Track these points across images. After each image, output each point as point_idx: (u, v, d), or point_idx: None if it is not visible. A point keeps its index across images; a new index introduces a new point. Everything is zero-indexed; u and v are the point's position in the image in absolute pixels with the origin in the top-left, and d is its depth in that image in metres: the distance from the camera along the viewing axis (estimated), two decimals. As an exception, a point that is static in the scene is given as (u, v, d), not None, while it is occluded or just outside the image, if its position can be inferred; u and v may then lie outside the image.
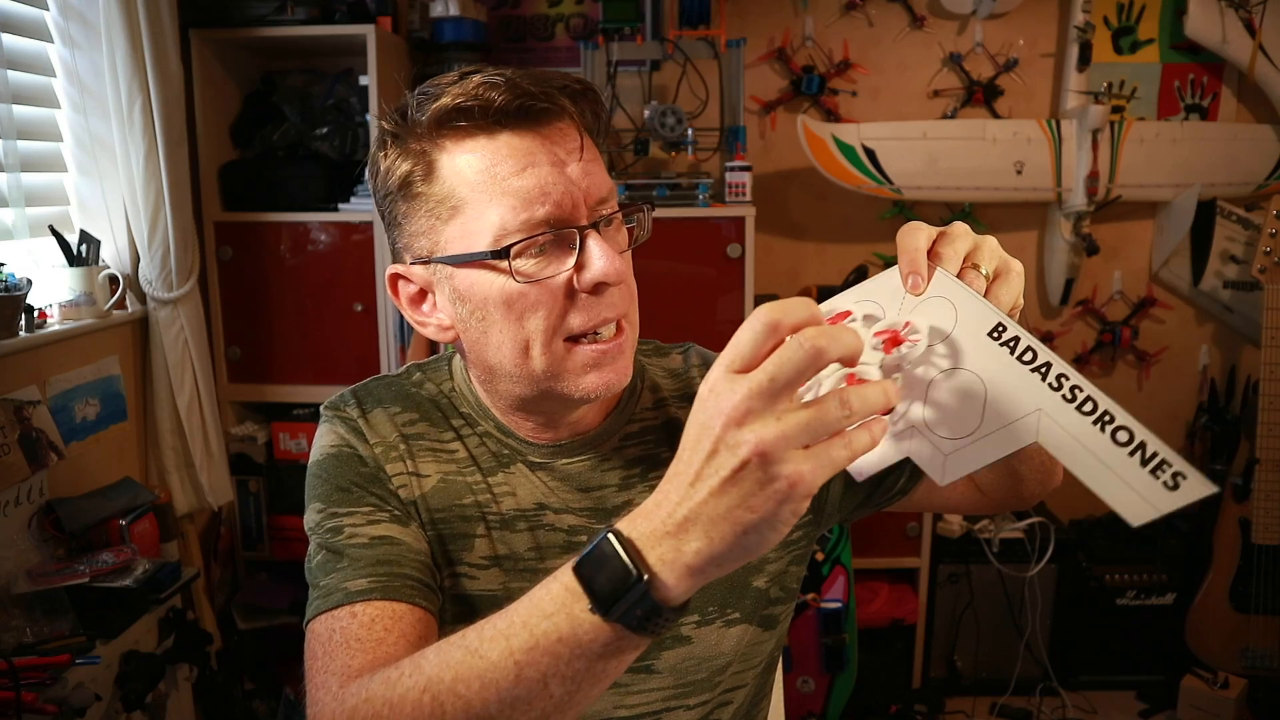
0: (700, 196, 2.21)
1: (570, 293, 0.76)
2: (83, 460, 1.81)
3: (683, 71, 2.50)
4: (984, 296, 0.67)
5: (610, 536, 0.55)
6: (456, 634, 0.63)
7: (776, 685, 1.09)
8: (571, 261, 0.75)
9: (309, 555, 0.83)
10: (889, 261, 3.00)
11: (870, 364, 0.66)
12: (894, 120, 2.61)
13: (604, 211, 0.77)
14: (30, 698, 1.33)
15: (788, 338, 0.52)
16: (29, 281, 1.68)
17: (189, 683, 1.86)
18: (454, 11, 2.34)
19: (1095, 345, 2.79)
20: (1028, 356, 0.62)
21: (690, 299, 2.18)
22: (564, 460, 0.87)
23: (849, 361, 0.54)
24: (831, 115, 2.67)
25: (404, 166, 0.77)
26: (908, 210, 2.72)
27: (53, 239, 1.81)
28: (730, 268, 2.19)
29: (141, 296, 2.01)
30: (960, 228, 0.70)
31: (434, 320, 0.82)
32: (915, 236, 0.70)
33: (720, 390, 0.53)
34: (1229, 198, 2.59)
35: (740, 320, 1.92)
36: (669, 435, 0.91)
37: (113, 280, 1.93)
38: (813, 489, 0.51)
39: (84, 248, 1.86)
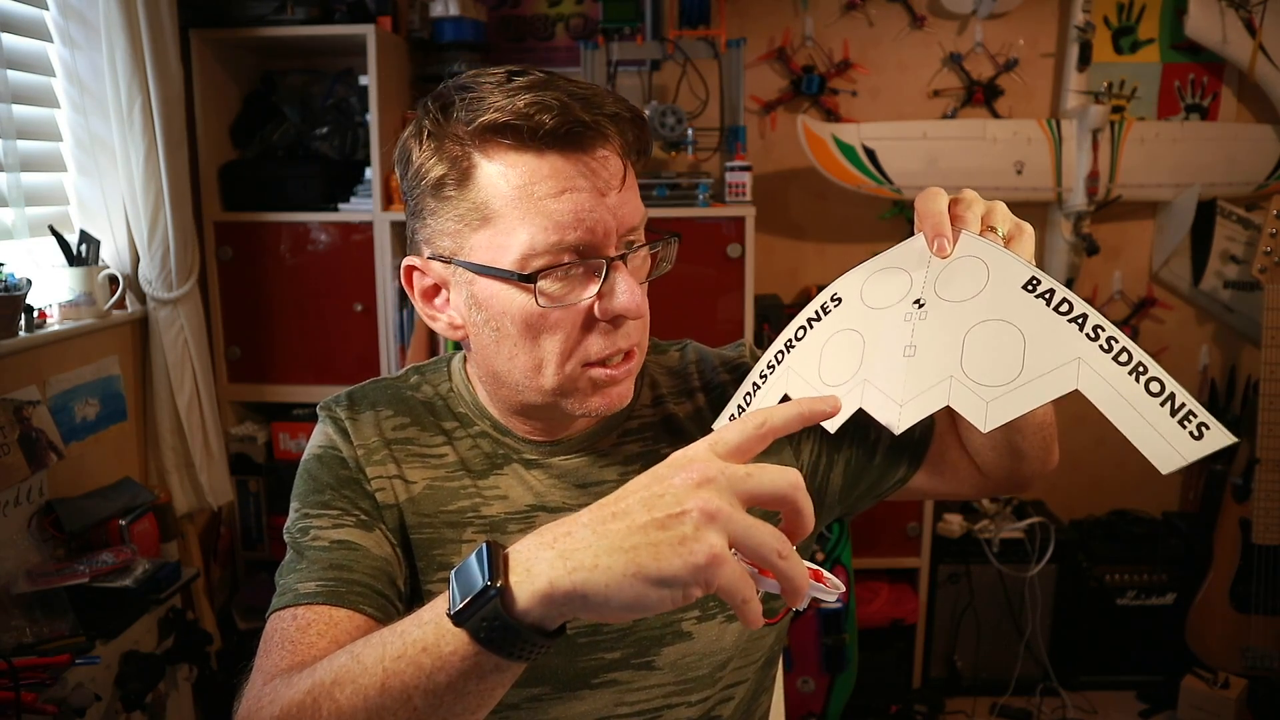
0: (700, 196, 2.21)
1: (590, 319, 0.76)
2: (82, 460, 1.81)
3: (683, 71, 2.49)
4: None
5: (486, 543, 0.54)
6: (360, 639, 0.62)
7: (778, 682, 1.09)
8: (595, 289, 0.74)
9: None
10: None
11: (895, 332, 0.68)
12: (894, 120, 2.61)
13: (633, 239, 0.77)
14: (30, 698, 1.33)
15: (785, 472, 0.53)
16: (29, 281, 1.68)
17: (189, 683, 1.86)
18: (454, 11, 2.34)
19: (1095, 345, 2.78)
20: (1064, 307, 0.63)
21: (690, 299, 2.18)
22: (561, 457, 0.87)
23: (804, 526, 0.55)
24: (831, 115, 2.67)
25: (439, 169, 0.75)
26: (908, 210, 2.72)
27: (53, 239, 1.81)
28: (730, 268, 2.19)
29: (141, 296, 2.01)
30: (972, 194, 0.72)
31: (445, 317, 0.82)
32: (937, 200, 0.70)
33: (697, 456, 0.53)
34: (1229, 198, 2.59)
35: (740, 321, 1.94)
36: (668, 431, 0.91)
37: (113, 280, 1.93)
38: (720, 581, 0.49)
39: (84, 248, 1.86)
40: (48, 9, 1.84)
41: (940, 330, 0.67)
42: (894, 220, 2.75)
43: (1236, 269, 2.61)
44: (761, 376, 0.80)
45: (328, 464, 0.86)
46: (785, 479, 0.53)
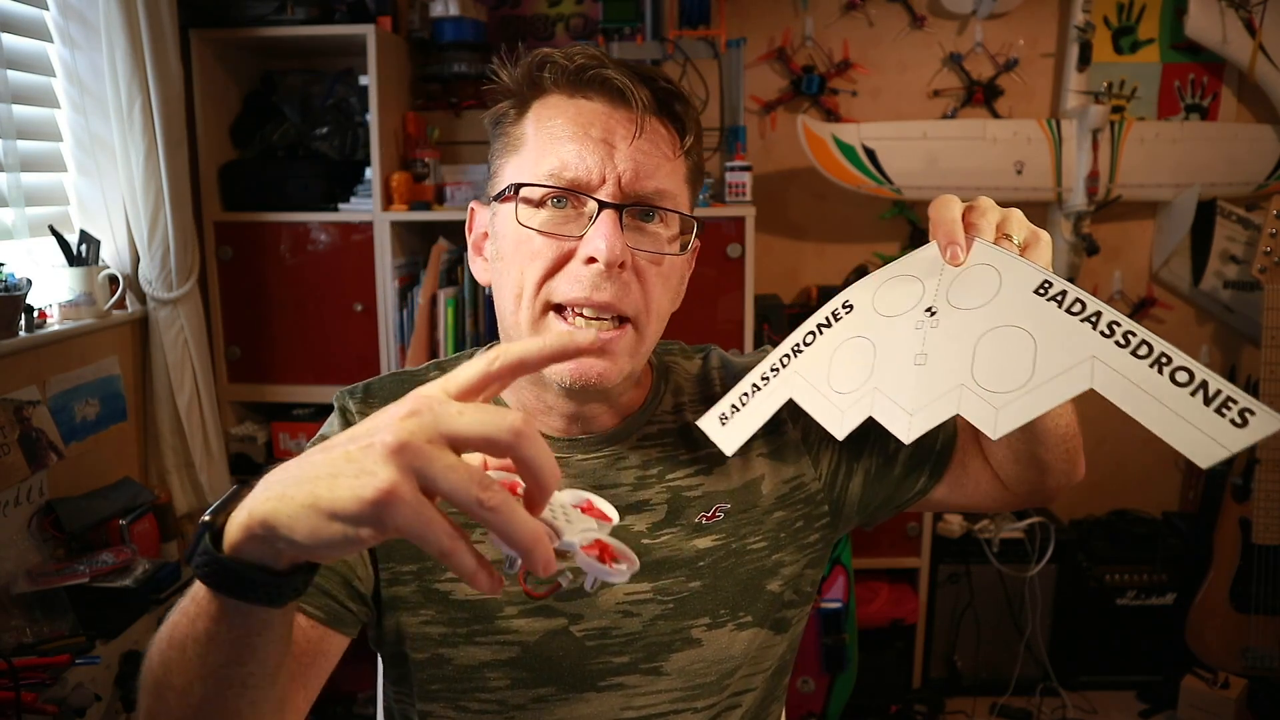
0: (700, 196, 2.20)
1: (568, 258, 0.78)
2: (83, 460, 1.81)
3: (683, 71, 2.49)
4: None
5: (241, 486, 0.53)
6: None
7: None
8: (582, 232, 0.77)
9: None
10: (888, 261, 2.99)
11: None
12: (894, 120, 2.61)
13: (643, 202, 0.78)
14: (30, 698, 1.33)
15: (504, 414, 0.47)
16: (29, 281, 1.68)
17: (189, 683, 1.86)
18: (454, 11, 2.34)
19: (1095, 345, 2.78)
20: (1076, 308, 0.61)
21: (690, 299, 2.16)
22: (579, 456, 0.88)
23: (538, 483, 0.49)
24: (831, 115, 2.67)
25: (502, 107, 0.84)
26: (908, 210, 2.72)
27: (53, 239, 1.81)
28: (730, 268, 2.19)
29: (141, 296, 2.01)
30: (987, 201, 0.71)
31: (481, 260, 0.87)
32: (950, 208, 0.70)
33: (422, 391, 0.49)
34: (1229, 198, 2.59)
35: (740, 321, 1.93)
36: (685, 439, 0.91)
37: (113, 280, 1.93)
38: (398, 522, 0.44)
39: (84, 248, 1.86)
40: (48, 9, 1.84)
41: (951, 338, 0.66)
42: (894, 220, 2.75)
43: (1236, 269, 2.61)
44: (763, 379, 0.79)
45: None
46: (502, 421, 0.46)
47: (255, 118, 2.34)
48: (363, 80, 2.26)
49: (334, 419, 0.90)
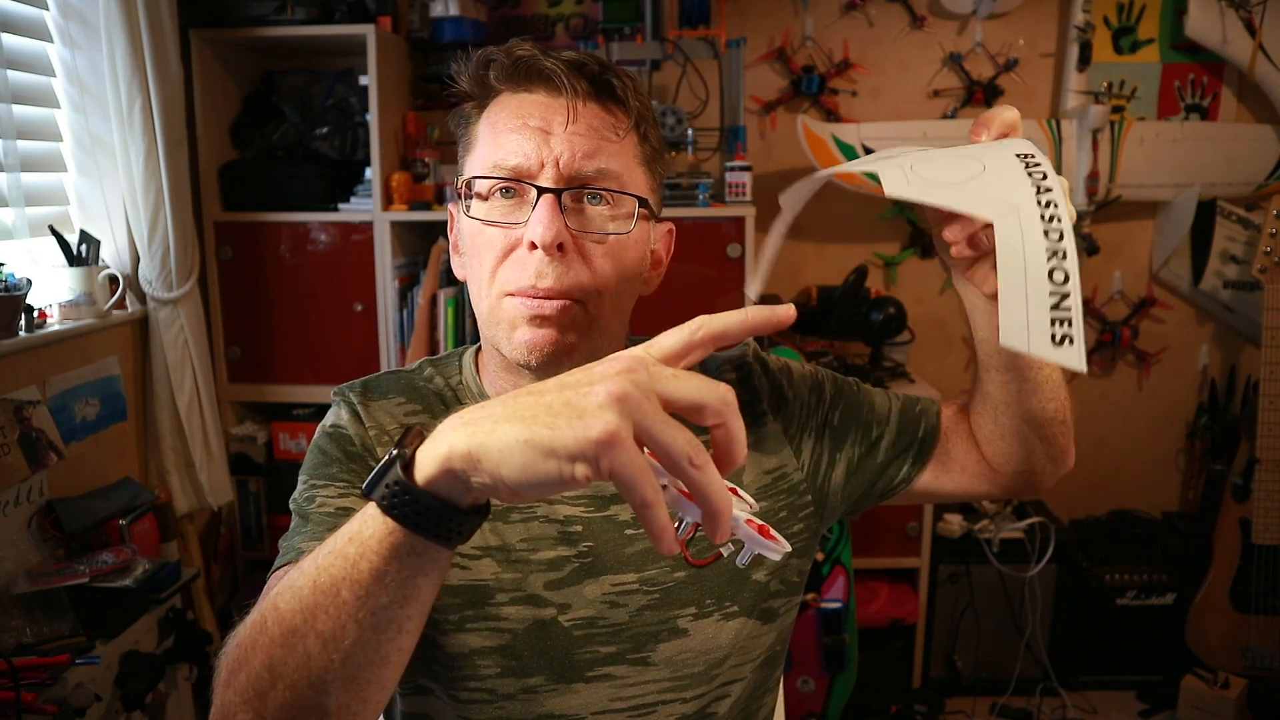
0: (700, 196, 2.21)
1: (515, 246, 0.80)
2: (82, 460, 1.81)
3: (683, 71, 2.50)
4: None
5: (417, 427, 0.55)
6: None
7: (776, 685, 1.09)
8: (526, 218, 0.80)
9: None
10: (889, 261, 3.00)
11: None
12: (894, 120, 2.61)
13: (588, 185, 0.80)
14: (30, 698, 1.33)
15: (715, 385, 0.50)
16: (29, 281, 1.68)
17: (189, 683, 1.86)
18: (454, 11, 2.34)
19: (1095, 345, 2.79)
20: (1037, 174, 0.62)
21: (690, 299, 2.18)
22: None
23: (731, 456, 0.51)
24: (831, 115, 2.67)
25: (466, 109, 0.88)
26: (908, 210, 2.72)
27: (53, 239, 1.81)
28: (730, 268, 2.19)
29: (141, 296, 2.01)
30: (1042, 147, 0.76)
31: (456, 258, 0.90)
32: (1007, 111, 0.74)
33: (630, 352, 0.51)
34: (1229, 198, 2.59)
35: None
36: None
37: (113, 280, 1.93)
38: (614, 465, 0.46)
39: (84, 248, 1.86)
40: (48, 9, 1.84)
41: (923, 158, 0.68)
42: (894, 220, 2.75)
43: (1236, 269, 2.61)
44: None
45: (336, 441, 0.87)
46: (714, 390, 0.49)
47: (255, 118, 2.34)
48: (363, 80, 2.26)
49: (339, 411, 0.90)
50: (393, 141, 2.28)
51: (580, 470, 0.47)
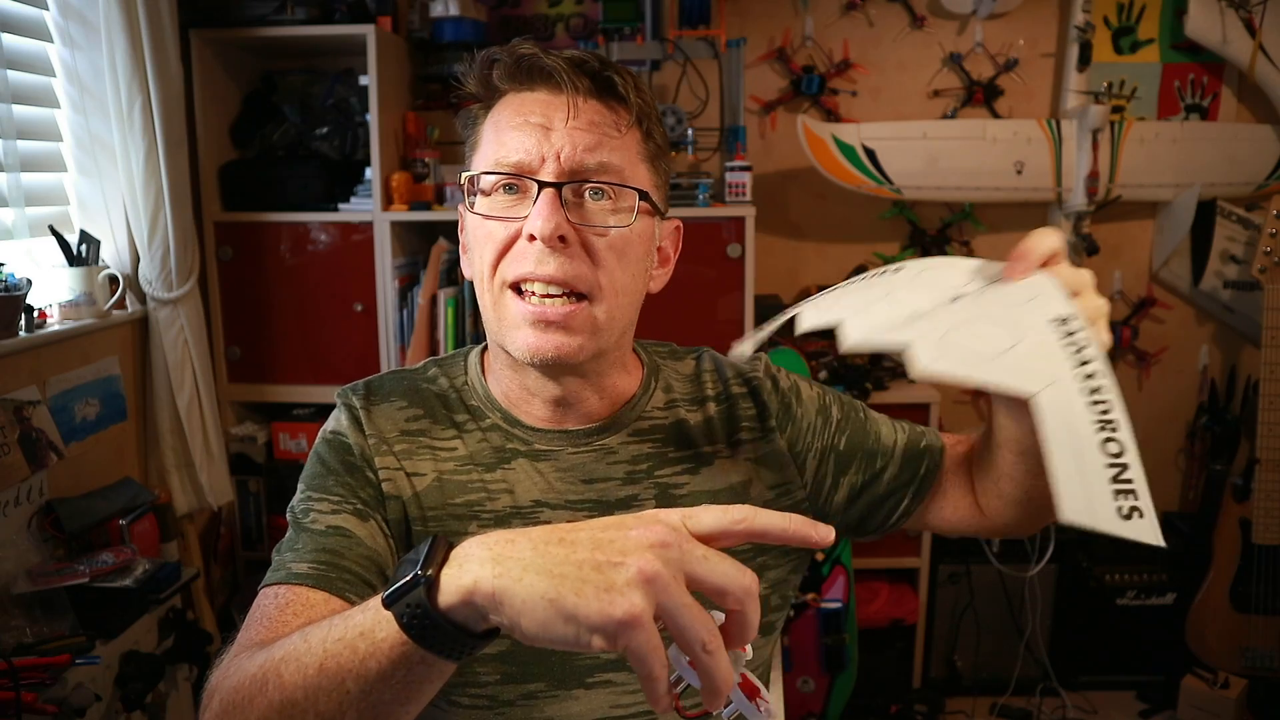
0: (700, 196, 2.21)
1: (516, 239, 0.81)
2: (83, 460, 1.81)
3: (683, 71, 2.50)
4: None
5: (434, 535, 0.56)
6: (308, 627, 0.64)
7: (777, 683, 1.09)
8: (526, 212, 0.80)
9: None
10: (889, 261, 2.99)
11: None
12: (894, 120, 2.61)
13: (589, 179, 0.81)
14: (30, 698, 1.33)
15: (744, 572, 0.51)
16: (29, 281, 1.68)
17: (189, 683, 1.86)
18: (454, 11, 2.34)
19: (1095, 345, 2.78)
20: (1075, 346, 0.60)
21: (690, 299, 2.18)
22: (570, 450, 0.88)
23: (741, 638, 0.53)
24: (831, 115, 2.67)
25: (473, 110, 0.89)
26: (908, 210, 2.72)
27: (53, 239, 1.81)
28: (730, 268, 2.19)
29: (141, 296, 2.01)
30: (1085, 275, 0.69)
31: (465, 256, 0.91)
32: (1048, 240, 0.69)
33: (665, 520, 0.52)
34: (1229, 198, 2.59)
35: (740, 321, 1.93)
36: (677, 436, 0.92)
37: (113, 280, 1.93)
38: (631, 645, 0.47)
39: (84, 248, 1.85)
40: (48, 9, 1.83)
41: (953, 313, 0.66)
42: (894, 220, 2.75)
43: (1236, 269, 2.61)
44: (792, 306, 0.79)
45: (335, 449, 0.88)
46: (741, 578, 0.51)
47: (255, 118, 2.34)
48: (363, 80, 2.26)
49: (340, 416, 0.91)
50: (393, 141, 2.28)
51: (597, 641, 0.48)
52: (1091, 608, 2.53)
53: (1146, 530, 0.51)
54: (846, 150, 2.52)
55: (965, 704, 2.55)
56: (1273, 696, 2.36)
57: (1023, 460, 0.82)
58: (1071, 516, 0.52)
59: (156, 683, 1.64)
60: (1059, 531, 2.46)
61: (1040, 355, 0.60)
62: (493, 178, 0.82)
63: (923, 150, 2.54)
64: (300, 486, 0.88)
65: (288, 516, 0.87)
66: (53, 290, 1.82)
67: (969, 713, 2.54)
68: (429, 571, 0.52)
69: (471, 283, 0.88)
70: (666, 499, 0.89)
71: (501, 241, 0.82)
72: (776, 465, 0.93)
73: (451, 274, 2.29)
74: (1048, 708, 2.52)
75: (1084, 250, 2.58)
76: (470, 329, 2.25)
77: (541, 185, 0.79)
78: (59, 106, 1.89)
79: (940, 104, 2.68)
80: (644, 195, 0.84)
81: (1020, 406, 0.71)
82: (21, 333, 1.67)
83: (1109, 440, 0.55)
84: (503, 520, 0.86)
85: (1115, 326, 2.75)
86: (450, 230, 2.31)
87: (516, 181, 0.81)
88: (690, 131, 2.36)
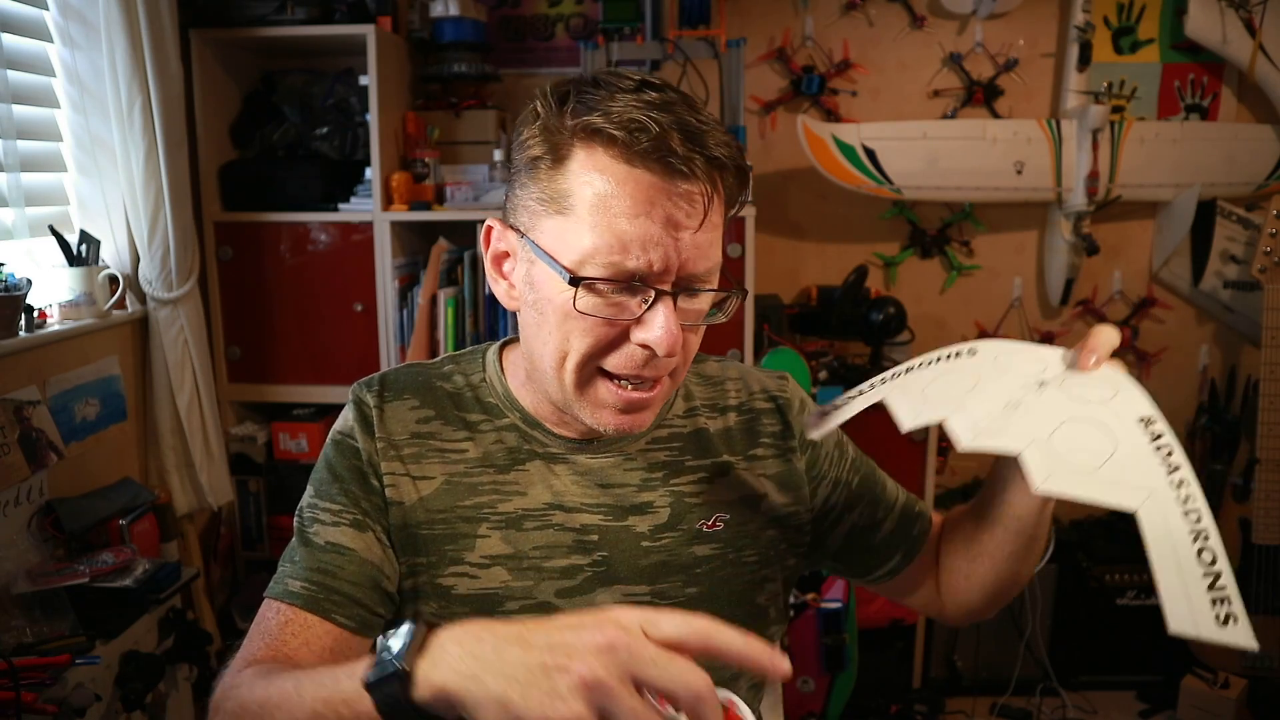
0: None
1: (622, 337, 0.76)
2: (83, 460, 1.81)
3: (683, 71, 2.49)
4: None
5: (414, 622, 0.60)
6: (290, 674, 0.69)
7: (775, 685, 1.09)
8: (637, 313, 0.75)
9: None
10: (889, 261, 3.00)
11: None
12: (894, 120, 2.61)
13: (695, 281, 0.76)
14: (30, 698, 1.33)
15: (696, 676, 0.53)
16: (29, 281, 1.68)
17: (189, 683, 1.86)
18: (454, 11, 2.34)
19: (1095, 345, 2.78)
20: (1164, 450, 0.65)
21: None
22: (588, 455, 0.88)
23: None
24: (831, 115, 2.67)
25: (538, 149, 0.76)
26: (908, 210, 2.72)
27: (53, 239, 1.81)
28: (730, 268, 2.18)
29: (141, 296, 2.01)
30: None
31: (506, 284, 0.84)
32: (1114, 336, 0.73)
33: (622, 623, 0.54)
34: (1229, 198, 2.59)
35: (740, 320, 1.93)
36: (696, 444, 0.92)
37: (113, 280, 1.93)
38: None
39: (84, 248, 1.86)
40: (48, 9, 1.84)
41: (1049, 406, 0.69)
42: (894, 220, 2.75)
43: (1236, 269, 2.61)
44: (870, 385, 0.80)
45: (343, 452, 0.88)
46: (692, 683, 0.52)
47: (255, 118, 2.34)
48: (363, 80, 2.26)
49: (349, 414, 0.90)
50: (393, 141, 2.28)
51: None
52: (1091, 608, 2.52)
53: (1242, 635, 0.55)
54: (846, 150, 2.52)
55: (965, 704, 2.55)
56: (1273, 696, 2.36)
57: (1015, 540, 0.83)
58: (1178, 628, 0.56)
59: (156, 683, 1.64)
60: (1059, 531, 2.46)
61: (1136, 463, 0.64)
62: (604, 283, 0.74)
63: (923, 150, 2.54)
64: (309, 491, 0.89)
65: (295, 518, 0.88)
66: (53, 290, 1.82)
67: (969, 713, 2.54)
68: (405, 666, 0.57)
69: (481, 288, 0.88)
70: (681, 507, 0.89)
71: (603, 338, 0.76)
72: (792, 485, 0.94)
73: (451, 274, 2.29)
74: (1048, 708, 2.52)
75: (1084, 250, 2.58)
76: (470, 329, 2.25)
77: (659, 294, 0.74)
78: (59, 106, 1.89)
79: (940, 104, 2.68)
80: (744, 293, 0.82)
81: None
82: (21, 333, 1.67)
83: (1203, 550, 0.59)
84: (515, 522, 0.86)
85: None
86: (450, 230, 2.31)
87: (628, 283, 0.74)
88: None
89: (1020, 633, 2.51)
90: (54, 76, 1.87)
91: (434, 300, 2.25)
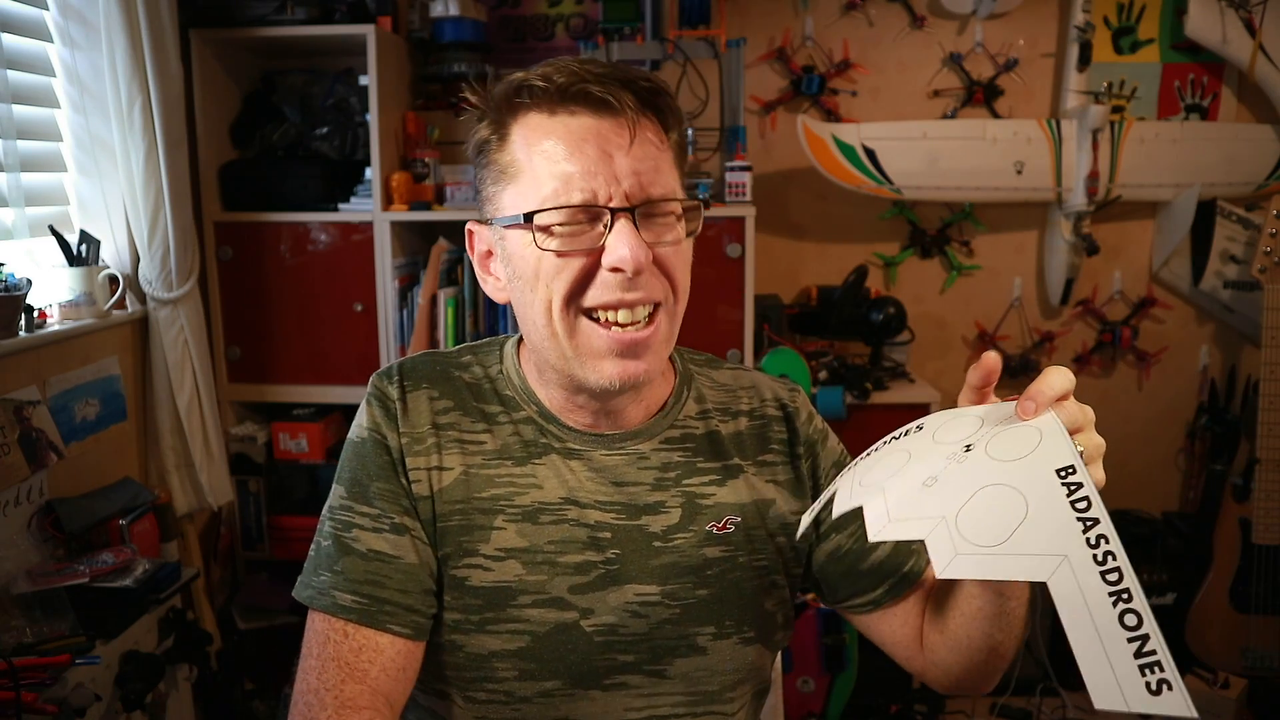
0: (700, 196, 2.21)
1: (593, 269, 0.79)
2: (83, 460, 1.81)
3: (683, 71, 2.49)
4: None
5: None
6: None
7: (777, 683, 1.09)
8: (600, 242, 0.79)
9: (319, 526, 0.87)
10: (889, 261, 3.00)
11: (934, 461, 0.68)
12: (894, 120, 2.61)
13: (651, 203, 0.80)
14: (30, 698, 1.33)
15: None
16: (29, 281, 1.68)
17: (189, 683, 1.86)
18: (454, 11, 2.34)
19: (1095, 345, 2.79)
20: (1081, 505, 0.60)
21: (690, 299, 2.17)
22: (603, 452, 0.89)
23: None
24: (831, 115, 2.67)
25: (484, 133, 0.84)
26: (908, 210, 2.72)
27: (53, 239, 1.81)
28: (730, 268, 2.19)
29: (141, 296, 2.01)
30: (1089, 412, 0.70)
31: (493, 279, 0.89)
32: (1060, 379, 0.69)
33: None
34: (1229, 198, 2.59)
35: (740, 320, 1.93)
36: (710, 446, 0.92)
37: (113, 280, 1.93)
38: None
39: (84, 248, 1.86)
40: (48, 9, 1.84)
41: (965, 476, 0.66)
42: (894, 220, 2.75)
43: (1236, 269, 2.61)
44: (837, 473, 0.81)
45: (373, 449, 0.88)
46: None
47: (255, 118, 2.34)
48: (363, 80, 2.26)
49: (373, 409, 0.89)
50: (393, 141, 2.28)
51: None
52: (1091, 608, 2.52)
53: (1177, 703, 0.50)
54: (846, 150, 2.52)
55: (965, 704, 2.55)
56: (1273, 696, 2.36)
57: (977, 601, 0.81)
58: (1103, 704, 0.52)
59: (156, 683, 1.64)
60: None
61: (1049, 523, 0.59)
62: (555, 214, 0.79)
63: (923, 150, 2.54)
64: (340, 492, 0.88)
65: (326, 519, 0.87)
66: (53, 290, 1.83)
67: (969, 713, 2.54)
68: None
69: (483, 290, 0.88)
70: (693, 508, 0.89)
71: (575, 273, 0.80)
72: (799, 492, 0.94)
73: (451, 274, 2.29)
74: (1048, 708, 2.52)
75: (1084, 250, 2.58)
76: (470, 328, 2.25)
77: (614, 213, 0.78)
78: (59, 106, 1.89)
79: (940, 104, 2.68)
80: (706, 204, 0.85)
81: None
82: (21, 333, 1.67)
83: (1126, 613, 0.54)
84: (530, 515, 0.86)
85: (1115, 326, 2.75)
86: (450, 230, 2.31)
87: (583, 214, 0.79)
88: (690, 131, 2.36)
89: (1020, 633, 2.51)
90: (54, 76, 1.87)
91: (434, 300, 2.25)
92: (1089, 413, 0.70)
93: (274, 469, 2.31)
